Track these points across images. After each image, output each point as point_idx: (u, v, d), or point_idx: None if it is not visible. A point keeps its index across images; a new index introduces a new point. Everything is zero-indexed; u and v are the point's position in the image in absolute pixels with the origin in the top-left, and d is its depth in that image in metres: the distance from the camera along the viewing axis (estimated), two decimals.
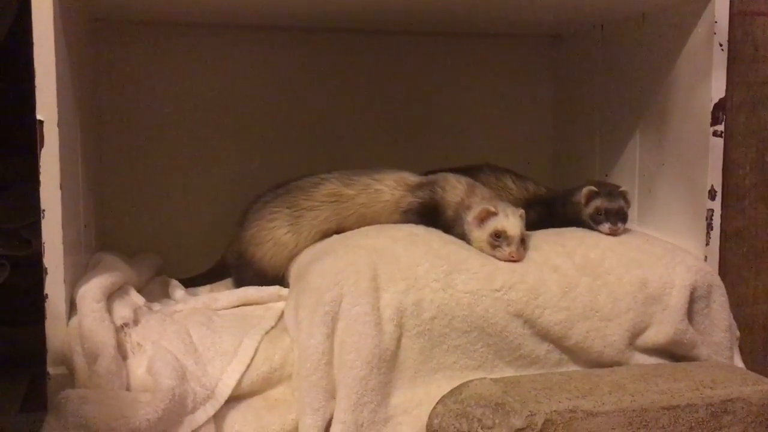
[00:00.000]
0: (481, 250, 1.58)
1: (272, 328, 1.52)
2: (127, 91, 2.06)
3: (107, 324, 1.33)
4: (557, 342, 1.52)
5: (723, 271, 1.74)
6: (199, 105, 2.12)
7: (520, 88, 2.38)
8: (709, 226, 1.69)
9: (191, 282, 1.85)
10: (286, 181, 1.78)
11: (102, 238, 1.99)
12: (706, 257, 1.69)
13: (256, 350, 1.43)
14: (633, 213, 1.95)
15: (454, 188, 1.68)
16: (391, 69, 2.27)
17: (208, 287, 1.82)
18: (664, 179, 1.84)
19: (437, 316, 1.46)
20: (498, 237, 1.56)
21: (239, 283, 1.75)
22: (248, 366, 1.40)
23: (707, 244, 1.69)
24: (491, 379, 1.40)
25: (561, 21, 2.12)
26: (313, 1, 1.77)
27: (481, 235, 1.58)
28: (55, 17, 1.33)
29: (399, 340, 1.45)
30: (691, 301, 1.57)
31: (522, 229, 1.57)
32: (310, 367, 1.39)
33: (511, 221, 1.57)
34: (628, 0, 1.79)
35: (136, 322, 1.43)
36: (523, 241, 1.58)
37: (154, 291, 1.76)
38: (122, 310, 1.42)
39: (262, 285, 1.68)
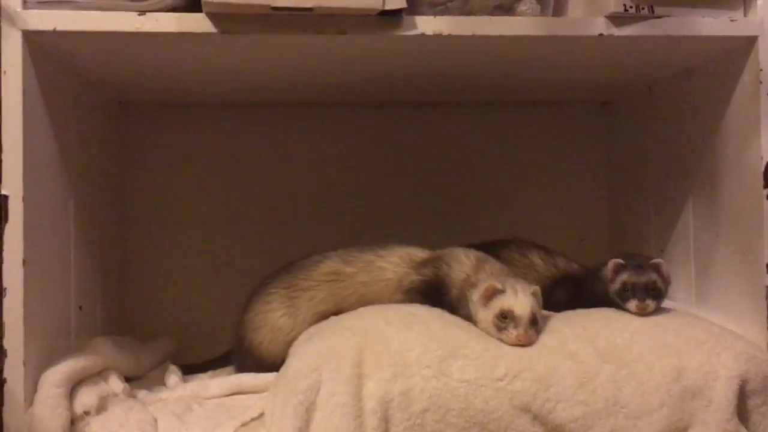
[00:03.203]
0: (487, 332, 1.39)
1: (253, 419, 1.37)
2: (153, 172, 2.06)
3: (60, 411, 1.24)
4: None
5: None
6: (224, 185, 2.09)
7: (572, 157, 2.22)
8: None
9: (197, 368, 1.74)
10: (294, 260, 1.67)
11: (122, 321, 1.96)
12: None
13: None
14: (690, 293, 1.71)
15: (460, 264, 1.51)
16: (432, 141, 2.17)
17: (210, 374, 1.70)
18: (720, 253, 1.60)
19: (429, 409, 1.27)
20: (505, 318, 1.36)
21: (240, 370, 1.62)
22: None
23: None
24: None
25: (608, 84, 1.96)
26: (341, 78, 1.73)
27: (486, 315, 1.39)
28: (25, 95, 1.32)
29: None
30: (743, 396, 1.30)
31: (533, 309, 1.37)
32: None
33: (520, 299, 1.37)
34: (673, 55, 1.60)
35: (100, 410, 1.33)
36: (534, 323, 1.37)
37: (156, 378, 1.67)
38: (86, 398, 1.32)
39: (261, 372, 1.55)
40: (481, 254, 1.54)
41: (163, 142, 2.07)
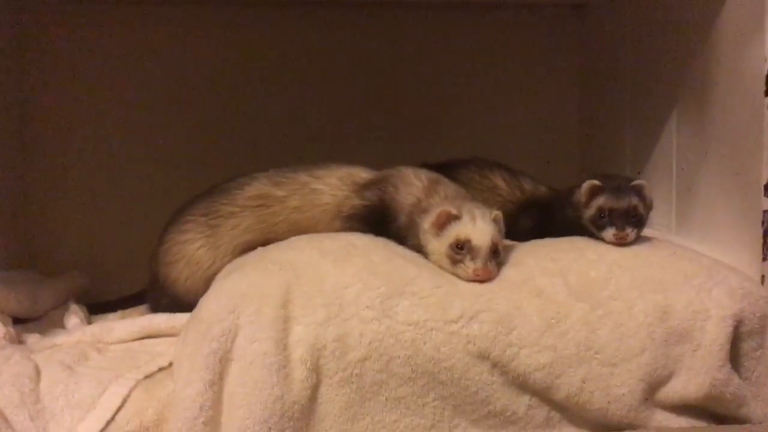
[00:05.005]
0: (440, 266, 1.19)
1: (161, 369, 1.16)
2: (57, 78, 1.78)
3: None
4: (542, 394, 1.10)
5: None
6: (143, 94, 1.82)
7: (540, 68, 2.01)
8: (767, 234, 1.23)
9: (105, 308, 1.51)
10: (217, 183, 1.42)
11: (25, 255, 1.72)
12: (763, 277, 1.23)
13: (124, 401, 1.08)
14: (670, 219, 1.52)
15: (409, 186, 1.28)
16: (385, 48, 1.92)
17: (119, 314, 1.47)
18: (708, 173, 1.41)
19: (369, 357, 1.07)
20: (461, 248, 1.16)
21: (154, 310, 1.41)
22: (108, 422, 1.05)
23: (764, 259, 1.24)
24: None
25: None
26: None
27: (439, 246, 1.18)
28: None
29: (315, 389, 1.07)
30: (737, 339, 1.13)
31: (494, 238, 1.17)
32: (181, 427, 1.02)
33: (478, 227, 1.16)
34: None
35: None
36: (495, 254, 1.17)
37: (56, 319, 1.44)
38: None
39: (177, 312, 1.33)
40: (434, 175, 1.32)
41: (68, 42, 1.78)
